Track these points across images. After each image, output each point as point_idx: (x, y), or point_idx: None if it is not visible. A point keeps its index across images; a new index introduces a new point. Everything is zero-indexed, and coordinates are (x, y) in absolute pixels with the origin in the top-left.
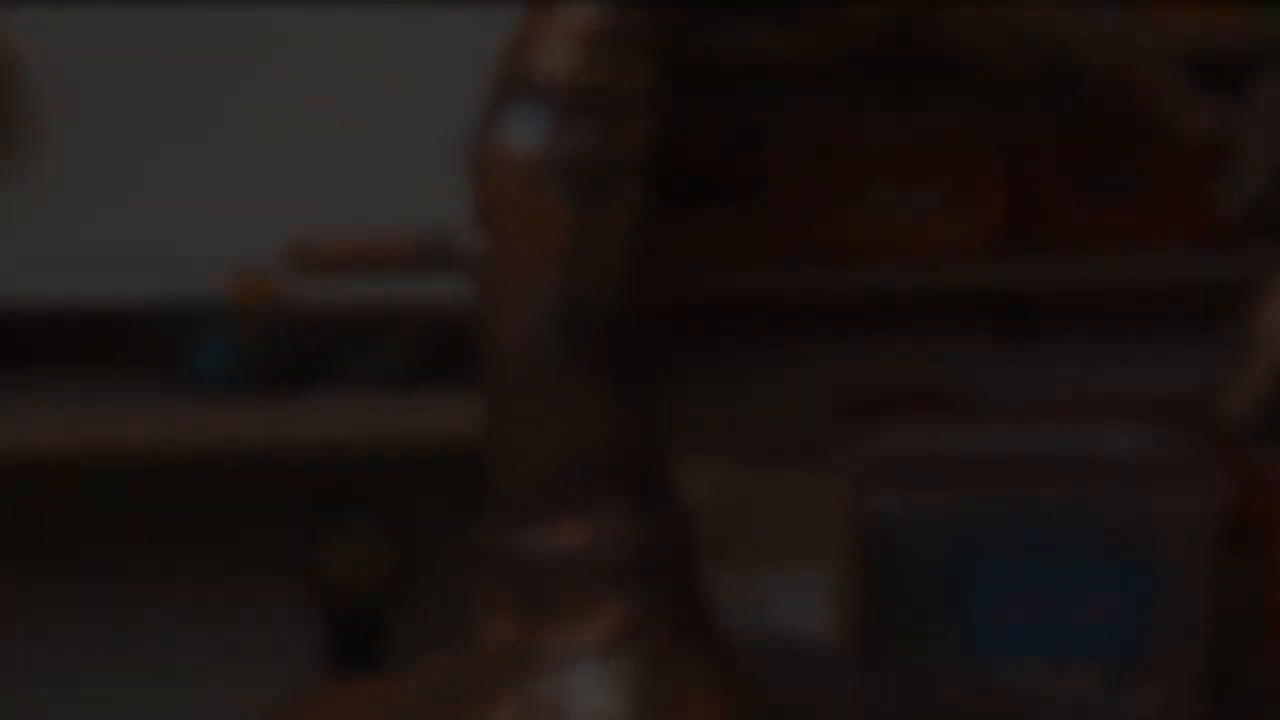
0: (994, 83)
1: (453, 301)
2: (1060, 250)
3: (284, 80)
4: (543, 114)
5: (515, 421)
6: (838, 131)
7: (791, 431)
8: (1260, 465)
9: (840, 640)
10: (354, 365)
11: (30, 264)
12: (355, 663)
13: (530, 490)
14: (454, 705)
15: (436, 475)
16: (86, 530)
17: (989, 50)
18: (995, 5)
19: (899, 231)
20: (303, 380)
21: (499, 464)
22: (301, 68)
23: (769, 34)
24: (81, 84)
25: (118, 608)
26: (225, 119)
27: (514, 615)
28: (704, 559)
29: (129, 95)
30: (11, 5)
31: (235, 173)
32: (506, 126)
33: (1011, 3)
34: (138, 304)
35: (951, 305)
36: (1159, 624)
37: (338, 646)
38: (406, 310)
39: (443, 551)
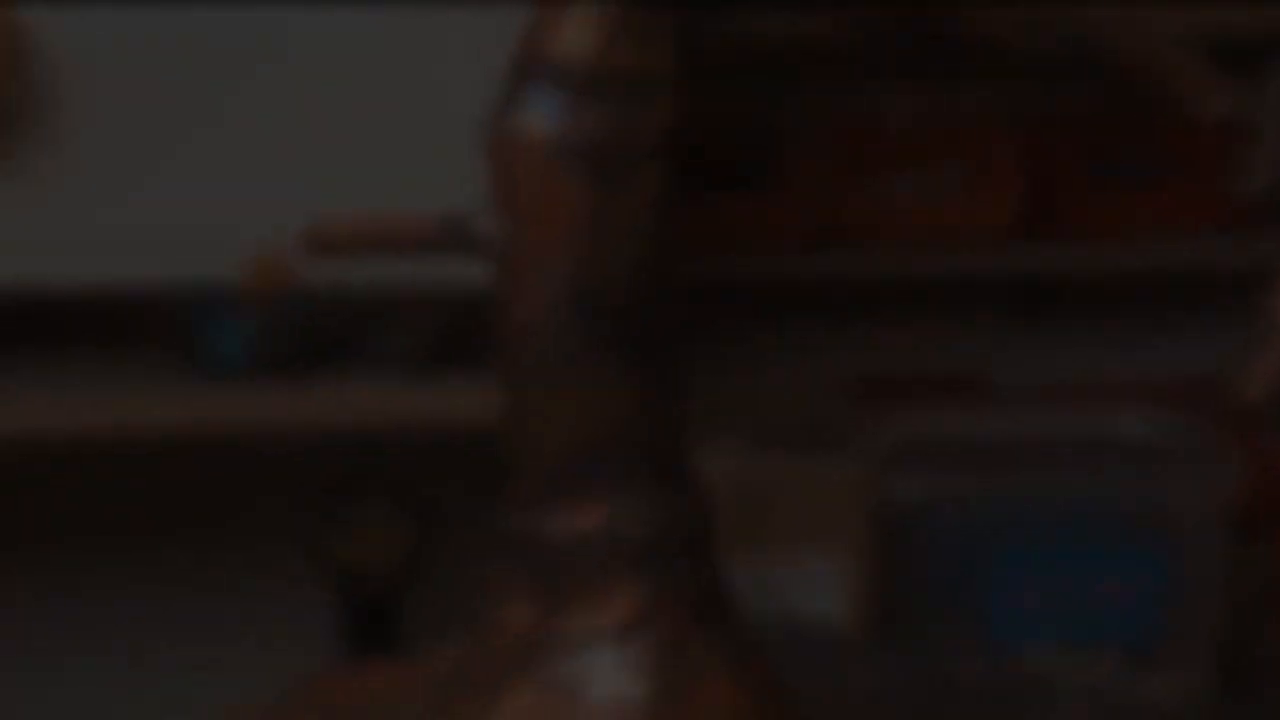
0: (1011, 67)
1: (469, 285)
2: (1077, 235)
3: (301, 63)
4: (560, 97)
5: (532, 404)
6: (855, 116)
7: (808, 416)
8: (1276, 450)
9: (856, 625)
10: (371, 348)
11: (47, 248)
12: (371, 646)
13: (547, 474)
14: (470, 689)
15: (453, 459)
16: (102, 514)
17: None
18: None
19: (916, 216)
20: (319, 363)
21: (516, 447)
22: (319, 50)
23: (786, 17)
24: (97, 67)
25: (134, 591)
26: (242, 101)
27: (530, 599)
28: (720, 543)
29: (145, 78)
30: None
31: (252, 156)
32: (524, 109)
33: None
34: (154, 287)
35: (968, 290)
36: (1174, 609)
37: (353, 630)
38: (423, 293)
39: (459, 535)
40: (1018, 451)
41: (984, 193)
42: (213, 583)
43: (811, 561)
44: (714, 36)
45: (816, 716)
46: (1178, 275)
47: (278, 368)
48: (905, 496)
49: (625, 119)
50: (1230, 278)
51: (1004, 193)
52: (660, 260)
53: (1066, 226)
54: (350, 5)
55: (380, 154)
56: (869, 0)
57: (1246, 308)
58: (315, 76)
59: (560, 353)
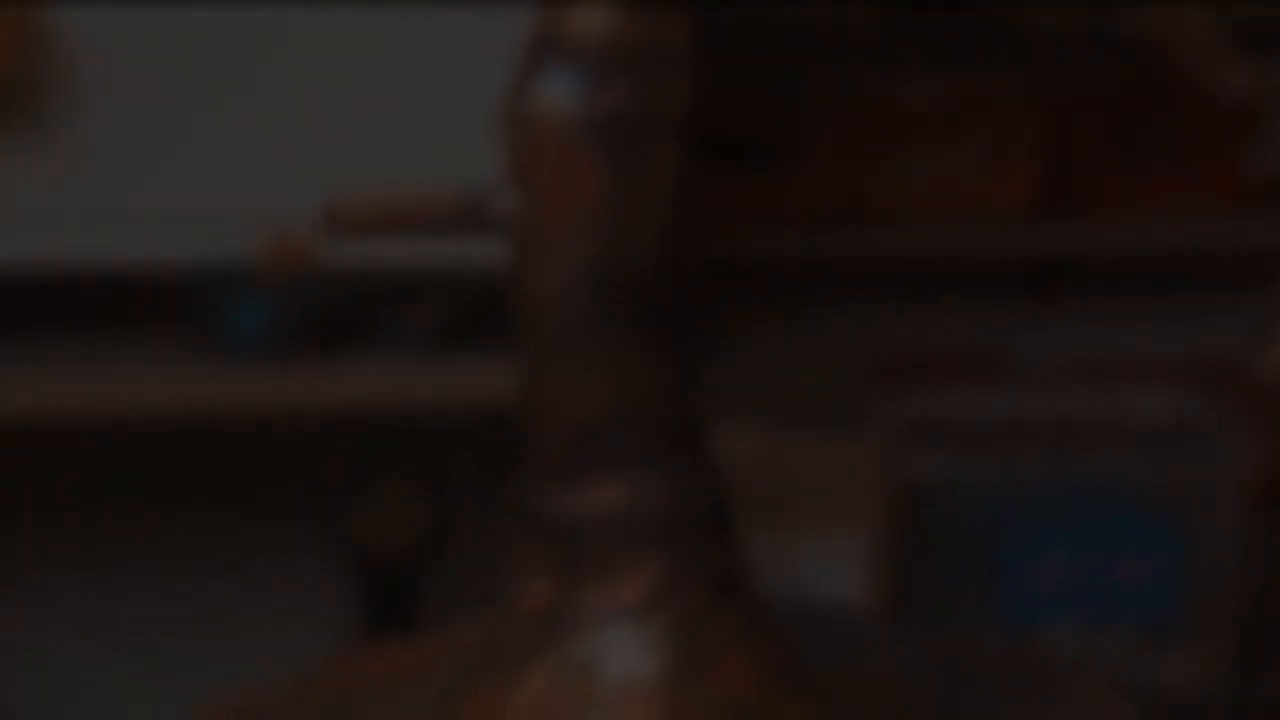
0: (1031, 47)
1: (488, 264)
2: (1096, 214)
3: (319, 44)
4: (578, 73)
5: (550, 381)
6: (875, 94)
7: (826, 395)
8: None
9: (873, 602)
10: (388, 328)
11: (67, 228)
12: (389, 624)
13: (565, 450)
14: (488, 666)
15: (471, 438)
16: (120, 494)
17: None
18: None
19: (935, 194)
20: (337, 344)
21: (534, 424)
22: (336, 31)
23: None
24: (117, 50)
25: (153, 570)
26: (260, 82)
27: (548, 576)
28: (739, 521)
29: (164, 60)
30: None
31: (270, 135)
32: (542, 85)
33: None
34: (173, 268)
35: (987, 269)
36: (1192, 586)
37: (372, 608)
38: (442, 273)
39: (477, 513)
40: (1036, 430)
41: (1003, 172)
42: (231, 562)
43: (829, 539)
44: (733, 15)
45: (834, 695)
46: (1196, 254)
47: (296, 348)
48: (923, 475)
49: (643, 96)
50: (1248, 257)
51: (1023, 172)
52: (679, 238)
53: (1085, 206)
54: None
55: (397, 134)
56: None
57: (1264, 287)
58: (333, 57)
59: (578, 330)
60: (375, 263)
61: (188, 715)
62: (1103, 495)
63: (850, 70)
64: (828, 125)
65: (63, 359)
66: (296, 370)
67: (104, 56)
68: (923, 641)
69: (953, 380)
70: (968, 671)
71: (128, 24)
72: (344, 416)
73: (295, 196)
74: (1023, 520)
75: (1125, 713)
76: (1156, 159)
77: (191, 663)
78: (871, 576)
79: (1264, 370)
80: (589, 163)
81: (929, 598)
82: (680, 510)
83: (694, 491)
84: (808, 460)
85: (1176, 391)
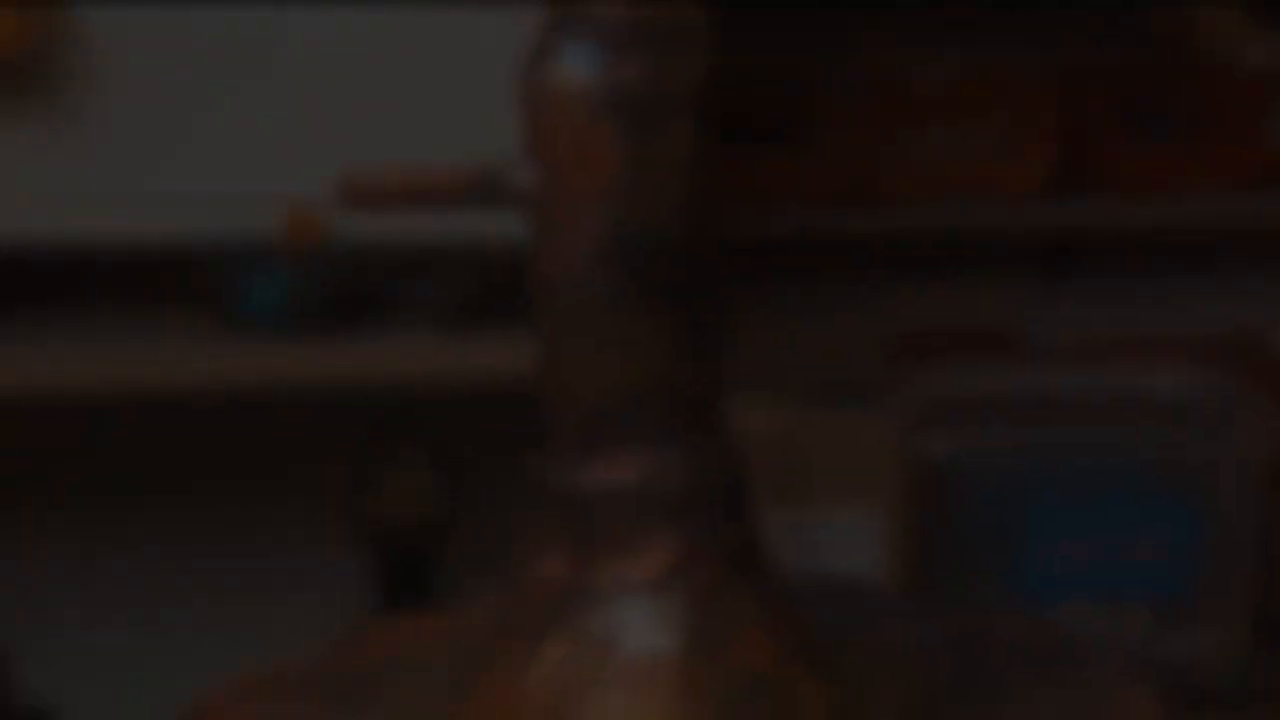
0: (1047, 23)
1: (502, 240)
2: (1112, 191)
3: (335, 18)
4: (595, 49)
5: (566, 357)
6: (891, 72)
7: (843, 372)
8: None
9: (890, 579)
10: (405, 303)
11: (82, 205)
12: (404, 600)
13: (582, 425)
14: (504, 641)
15: (486, 413)
16: (137, 469)
17: None
18: None
19: (951, 172)
20: (353, 319)
21: (550, 400)
22: (353, 5)
23: None
24: (132, 26)
25: (169, 545)
26: (275, 57)
27: (565, 551)
28: (756, 497)
29: (181, 36)
30: None
31: (286, 111)
32: (559, 61)
33: None
34: (189, 243)
35: (1003, 246)
36: (1208, 564)
37: (387, 583)
38: (457, 248)
39: (491, 489)
40: (1052, 408)
41: (1019, 149)
42: (246, 537)
43: (846, 516)
44: None
45: (850, 670)
46: (1213, 231)
47: (311, 323)
48: (940, 452)
49: (659, 72)
50: (1265, 234)
51: (1039, 150)
52: (695, 211)
53: (1102, 182)
54: None
55: (413, 109)
56: None
57: None
58: (349, 33)
59: (594, 305)
60: (390, 238)
61: (204, 691)
62: (1119, 473)
63: (867, 49)
64: (844, 103)
65: (79, 336)
66: (312, 346)
67: (120, 36)
68: (939, 617)
69: (969, 358)
70: (984, 647)
71: (144, 4)
72: (359, 392)
73: (310, 172)
74: (1039, 498)
75: (1140, 690)
76: (1173, 136)
77: (206, 638)
78: (887, 554)
79: None
80: (605, 138)
81: (945, 576)
82: (696, 486)
83: (710, 468)
84: (823, 438)
85: (1193, 369)
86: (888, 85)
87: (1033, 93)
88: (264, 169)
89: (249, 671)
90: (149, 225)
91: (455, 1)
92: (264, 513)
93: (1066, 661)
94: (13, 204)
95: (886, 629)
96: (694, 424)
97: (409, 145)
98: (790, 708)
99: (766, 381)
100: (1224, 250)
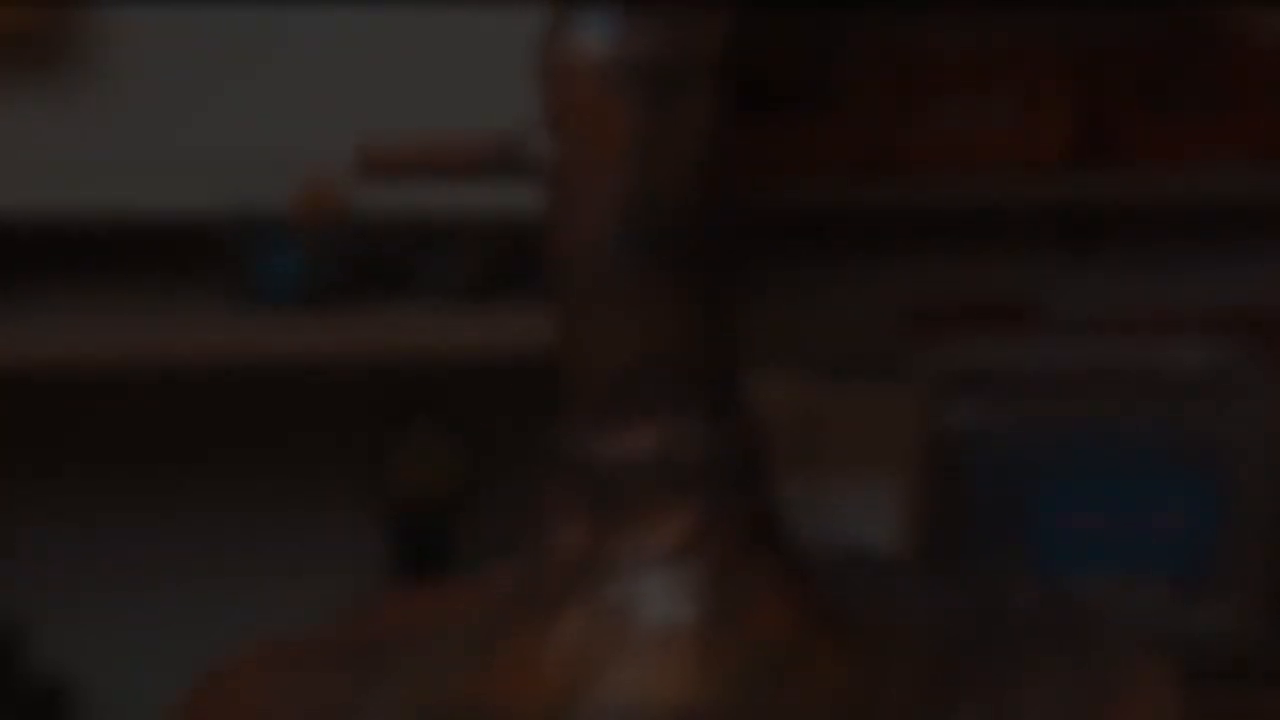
0: None
1: (519, 212)
2: (1131, 163)
3: None
4: (612, 17)
5: (585, 326)
6: (909, 43)
7: (861, 344)
8: None
9: (907, 552)
10: (422, 276)
11: (100, 176)
12: (422, 571)
13: (600, 396)
14: (523, 612)
15: (504, 385)
16: (153, 441)
17: None
18: None
19: (970, 144)
20: (371, 291)
21: (569, 371)
22: None
23: None
24: None
25: (187, 516)
26: (292, 28)
27: (584, 521)
28: (774, 469)
29: (198, 4)
30: None
31: (302, 82)
32: (576, 30)
33: None
34: (207, 215)
35: (1021, 218)
36: (1228, 538)
37: (405, 555)
38: (474, 220)
39: (509, 460)
40: (1071, 380)
41: (1036, 121)
42: (266, 508)
43: (864, 488)
44: None
45: (868, 639)
46: (1231, 203)
47: (329, 296)
48: (957, 425)
49: (676, 41)
50: None
51: (1057, 121)
52: (712, 181)
53: (1120, 155)
54: None
55: (430, 79)
56: None
57: None
58: (366, 3)
59: (612, 274)
60: (409, 210)
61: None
62: (1137, 445)
63: (885, 21)
64: (862, 75)
65: (97, 307)
66: (330, 318)
67: (137, 7)
68: (957, 588)
69: (988, 330)
70: (1001, 618)
71: None
72: (377, 364)
73: (329, 145)
74: (1058, 470)
75: (1157, 661)
76: (1191, 107)
77: (224, 610)
78: (906, 526)
79: None
80: (621, 109)
81: (963, 548)
82: (714, 457)
83: (729, 438)
84: (842, 410)
85: (1211, 341)
86: (907, 57)
87: (1051, 64)
88: (282, 141)
89: (267, 640)
90: (167, 197)
91: None
92: (282, 485)
93: (1084, 633)
94: (33, 176)
95: (904, 599)
96: (712, 395)
97: (426, 116)
98: (808, 677)
99: (784, 354)
100: (1242, 223)
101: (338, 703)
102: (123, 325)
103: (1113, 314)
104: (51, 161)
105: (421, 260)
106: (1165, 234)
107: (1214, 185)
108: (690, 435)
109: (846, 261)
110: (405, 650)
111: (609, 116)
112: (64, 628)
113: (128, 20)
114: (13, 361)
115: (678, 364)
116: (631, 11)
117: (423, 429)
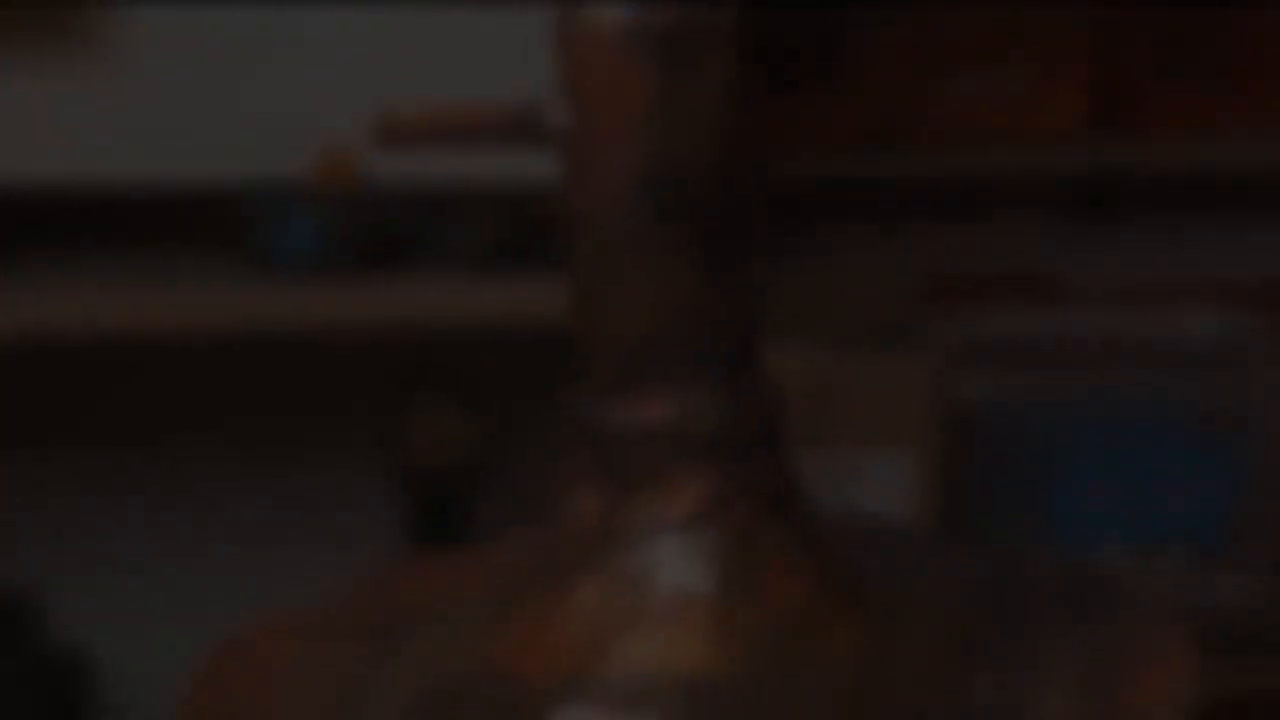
0: None
1: (535, 181)
2: (1146, 133)
3: None
4: None
5: (601, 294)
6: (924, 13)
7: (877, 315)
8: None
9: (923, 522)
10: (437, 245)
11: (115, 145)
12: (437, 542)
13: (616, 364)
14: (539, 579)
15: (519, 355)
16: (167, 411)
17: None
18: None
19: (984, 113)
20: (386, 260)
21: (585, 336)
22: None
23: None
24: None
25: (201, 486)
26: None
27: (600, 489)
28: (791, 438)
29: None
30: None
31: (320, 50)
32: None
33: None
34: (222, 183)
35: (1038, 188)
36: (1245, 509)
37: (420, 525)
38: (491, 190)
39: (524, 430)
40: (1086, 351)
41: (1053, 90)
42: (280, 479)
43: (879, 459)
44: None
45: (883, 608)
46: (1248, 173)
47: (344, 264)
48: (974, 395)
49: (692, 8)
50: None
51: (1073, 90)
52: (729, 149)
53: (1137, 123)
54: None
55: (447, 47)
56: None
57: None
58: None
59: (628, 241)
60: (425, 179)
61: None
62: (1152, 416)
63: None
64: (876, 44)
65: (109, 277)
66: (343, 287)
67: None
68: (973, 557)
69: (1003, 300)
70: (1018, 587)
71: None
72: (394, 333)
73: (346, 112)
74: (1072, 441)
75: (1174, 631)
76: (1208, 76)
77: (238, 581)
78: (920, 497)
79: None
80: (638, 75)
81: (977, 518)
82: (731, 424)
83: (745, 406)
84: (857, 380)
85: (1227, 312)
86: (921, 26)
87: (1066, 33)
88: (297, 109)
89: (282, 610)
90: (183, 165)
91: None
92: (295, 455)
93: (1100, 602)
94: (47, 145)
95: (920, 569)
96: (729, 362)
97: (442, 85)
98: (824, 646)
99: (800, 324)
100: (1261, 192)
101: (354, 671)
102: (138, 295)
103: (1129, 284)
104: (67, 130)
105: (438, 229)
106: (1183, 204)
107: (1233, 155)
108: (707, 403)
109: (861, 232)
110: (421, 619)
111: (625, 84)
112: (78, 600)
113: None
114: (29, 331)
115: (694, 332)
116: None
117: (437, 399)
